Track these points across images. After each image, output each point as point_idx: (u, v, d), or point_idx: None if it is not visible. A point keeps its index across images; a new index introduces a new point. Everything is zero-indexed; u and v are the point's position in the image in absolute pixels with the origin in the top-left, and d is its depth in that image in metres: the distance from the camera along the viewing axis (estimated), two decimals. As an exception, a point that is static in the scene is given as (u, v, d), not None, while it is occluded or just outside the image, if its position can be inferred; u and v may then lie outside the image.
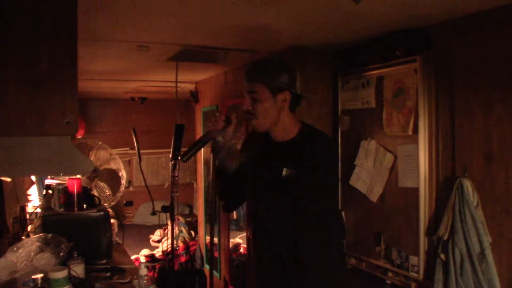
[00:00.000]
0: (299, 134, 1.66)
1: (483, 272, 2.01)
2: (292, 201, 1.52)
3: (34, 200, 3.53)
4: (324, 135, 1.70)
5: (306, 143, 1.60)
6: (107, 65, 3.58)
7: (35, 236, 2.24)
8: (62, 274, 1.77)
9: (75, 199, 2.62)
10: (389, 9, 2.06)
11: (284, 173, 1.59)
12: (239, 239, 4.42)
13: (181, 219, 5.82)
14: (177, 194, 2.41)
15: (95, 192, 3.05)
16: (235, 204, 1.98)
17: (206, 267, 4.52)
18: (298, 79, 1.67)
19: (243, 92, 1.67)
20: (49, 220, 2.49)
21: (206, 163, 4.77)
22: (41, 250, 2.06)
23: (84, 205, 2.69)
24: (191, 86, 4.94)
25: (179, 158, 1.63)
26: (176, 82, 3.83)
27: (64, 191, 2.64)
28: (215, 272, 4.33)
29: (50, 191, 2.82)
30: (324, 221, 1.63)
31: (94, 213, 2.63)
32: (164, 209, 2.53)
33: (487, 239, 2.02)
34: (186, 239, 5.53)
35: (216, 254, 4.34)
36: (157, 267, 4.36)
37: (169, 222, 2.52)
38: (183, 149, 1.83)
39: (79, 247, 2.15)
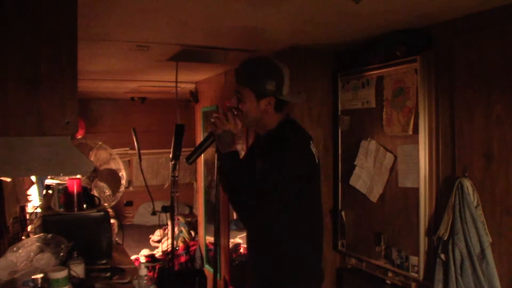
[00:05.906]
0: (274, 129, 1.71)
1: (483, 272, 2.01)
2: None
3: (34, 200, 3.53)
4: (290, 132, 1.69)
5: (275, 137, 1.67)
6: (107, 65, 3.58)
7: (35, 236, 2.24)
8: (62, 274, 1.77)
9: (75, 199, 2.61)
10: (389, 9, 2.06)
11: (257, 166, 1.70)
12: (239, 239, 4.42)
13: (181, 219, 5.81)
14: (177, 194, 2.40)
15: (95, 192, 3.05)
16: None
17: (206, 267, 4.52)
18: (286, 82, 1.67)
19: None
20: (49, 220, 2.49)
21: (206, 163, 4.77)
22: (41, 250, 2.06)
23: (84, 205, 2.69)
24: (191, 86, 4.94)
25: (186, 160, 1.69)
26: (176, 82, 3.83)
27: (64, 191, 2.64)
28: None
29: (50, 191, 2.81)
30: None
31: (94, 213, 2.62)
32: (164, 209, 2.52)
33: (487, 239, 2.02)
34: (186, 239, 5.53)
35: (211, 253, 4.34)
36: (157, 267, 4.36)
37: (169, 222, 2.52)
38: (186, 150, 1.84)
39: (79, 247, 2.15)
